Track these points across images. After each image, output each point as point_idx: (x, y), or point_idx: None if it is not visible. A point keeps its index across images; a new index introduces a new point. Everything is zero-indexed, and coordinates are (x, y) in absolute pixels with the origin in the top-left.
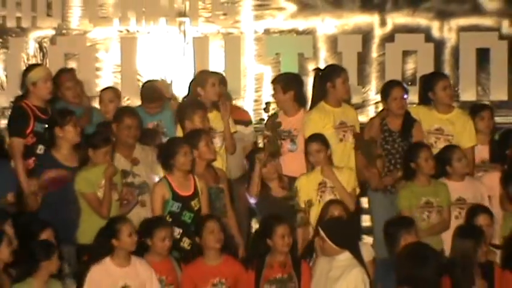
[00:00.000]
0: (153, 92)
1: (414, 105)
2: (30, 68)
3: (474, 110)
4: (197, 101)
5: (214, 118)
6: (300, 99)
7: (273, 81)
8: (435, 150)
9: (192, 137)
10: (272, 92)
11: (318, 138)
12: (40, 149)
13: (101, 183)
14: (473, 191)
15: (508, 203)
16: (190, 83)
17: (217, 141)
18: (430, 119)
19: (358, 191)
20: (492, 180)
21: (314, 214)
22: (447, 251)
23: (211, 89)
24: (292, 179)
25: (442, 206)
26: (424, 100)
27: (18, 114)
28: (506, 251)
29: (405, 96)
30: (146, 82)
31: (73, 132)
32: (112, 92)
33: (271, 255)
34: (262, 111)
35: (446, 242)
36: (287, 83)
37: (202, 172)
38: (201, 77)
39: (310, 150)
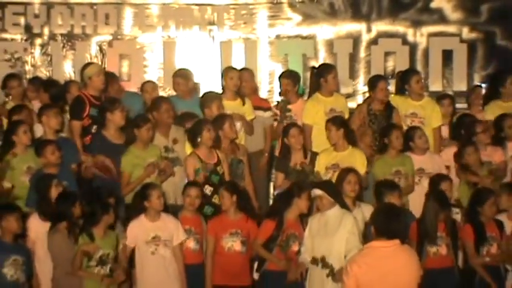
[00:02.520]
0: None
1: (392, 95)
2: (86, 65)
3: (438, 98)
4: (214, 93)
5: (237, 105)
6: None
7: (280, 77)
8: None
9: (219, 119)
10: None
11: (336, 120)
12: (95, 129)
13: (141, 164)
14: (432, 163)
15: (461, 173)
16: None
17: (238, 124)
18: (406, 106)
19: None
20: (449, 154)
21: None
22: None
23: (230, 82)
24: (313, 152)
25: (408, 174)
26: (401, 90)
27: (77, 102)
28: (466, 210)
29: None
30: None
31: (120, 116)
32: (152, 84)
33: (290, 211)
34: (278, 95)
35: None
36: (294, 78)
37: (226, 147)
38: (225, 72)
39: (329, 130)
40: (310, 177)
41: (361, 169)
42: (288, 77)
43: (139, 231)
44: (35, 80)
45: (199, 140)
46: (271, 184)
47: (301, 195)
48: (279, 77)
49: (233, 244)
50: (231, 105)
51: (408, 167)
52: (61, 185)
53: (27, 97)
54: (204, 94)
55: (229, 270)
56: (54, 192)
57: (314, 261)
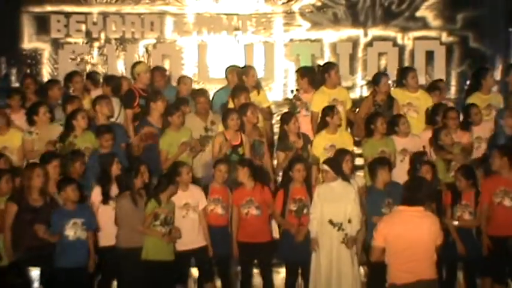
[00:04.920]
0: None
1: (392, 88)
2: (136, 64)
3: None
4: (242, 86)
5: (253, 95)
6: (312, 83)
7: (296, 71)
8: (408, 118)
9: (243, 107)
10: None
11: (332, 107)
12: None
13: (176, 143)
14: (413, 144)
15: (437, 152)
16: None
17: (258, 112)
18: (404, 97)
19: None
20: (427, 136)
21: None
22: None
23: (251, 78)
24: (305, 135)
25: (391, 153)
26: (399, 84)
27: (129, 94)
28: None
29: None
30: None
31: (161, 105)
32: (188, 78)
33: (293, 183)
34: (290, 92)
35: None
36: (303, 72)
37: (249, 130)
38: (247, 70)
39: (327, 114)
40: (310, 160)
41: (350, 147)
42: (303, 71)
43: (173, 199)
44: (92, 74)
45: (227, 124)
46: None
47: (293, 168)
48: (296, 72)
49: (249, 210)
50: (251, 95)
51: (391, 147)
52: (120, 163)
53: (87, 89)
54: (235, 87)
55: (249, 230)
56: (115, 169)
57: (332, 223)
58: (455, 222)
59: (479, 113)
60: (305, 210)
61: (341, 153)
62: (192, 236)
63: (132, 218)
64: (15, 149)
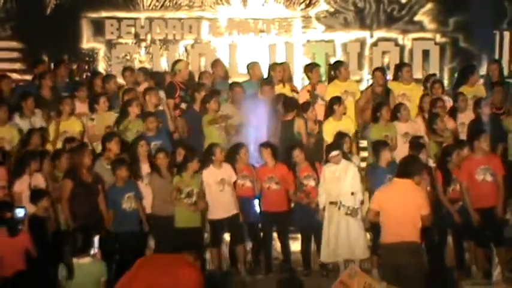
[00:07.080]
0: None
1: (390, 81)
2: (176, 61)
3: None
4: (269, 79)
5: (280, 88)
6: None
7: (307, 66)
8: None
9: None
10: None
11: (338, 98)
12: (183, 105)
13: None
14: (413, 128)
15: (431, 135)
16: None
17: None
18: (399, 88)
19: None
20: (419, 121)
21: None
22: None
23: (278, 73)
24: (320, 122)
25: (393, 137)
26: (396, 77)
27: (170, 86)
28: (438, 161)
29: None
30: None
31: (203, 95)
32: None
33: (298, 165)
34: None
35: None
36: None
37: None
38: (273, 66)
39: (335, 103)
40: (321, 141)
41: (352, 130)
42: (313, 66)
43: (210, 175)
44: (144, 69)
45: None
46: None
47: (292, 151)
48: (306, 66)
49: (270, 185)
50: (277, 88)
51: (393, 132)
52: (148, 144)
53: (137, 81)
54: (264, 79)
55: (271, 201)
56: (140, 149)
57: (331, 203)
58: (460, 203)
59: (465, 101)
60: (306, 182)
61: (340, 136)
62: (228, 206)
63: (163, 191)
64: (75, 134)
